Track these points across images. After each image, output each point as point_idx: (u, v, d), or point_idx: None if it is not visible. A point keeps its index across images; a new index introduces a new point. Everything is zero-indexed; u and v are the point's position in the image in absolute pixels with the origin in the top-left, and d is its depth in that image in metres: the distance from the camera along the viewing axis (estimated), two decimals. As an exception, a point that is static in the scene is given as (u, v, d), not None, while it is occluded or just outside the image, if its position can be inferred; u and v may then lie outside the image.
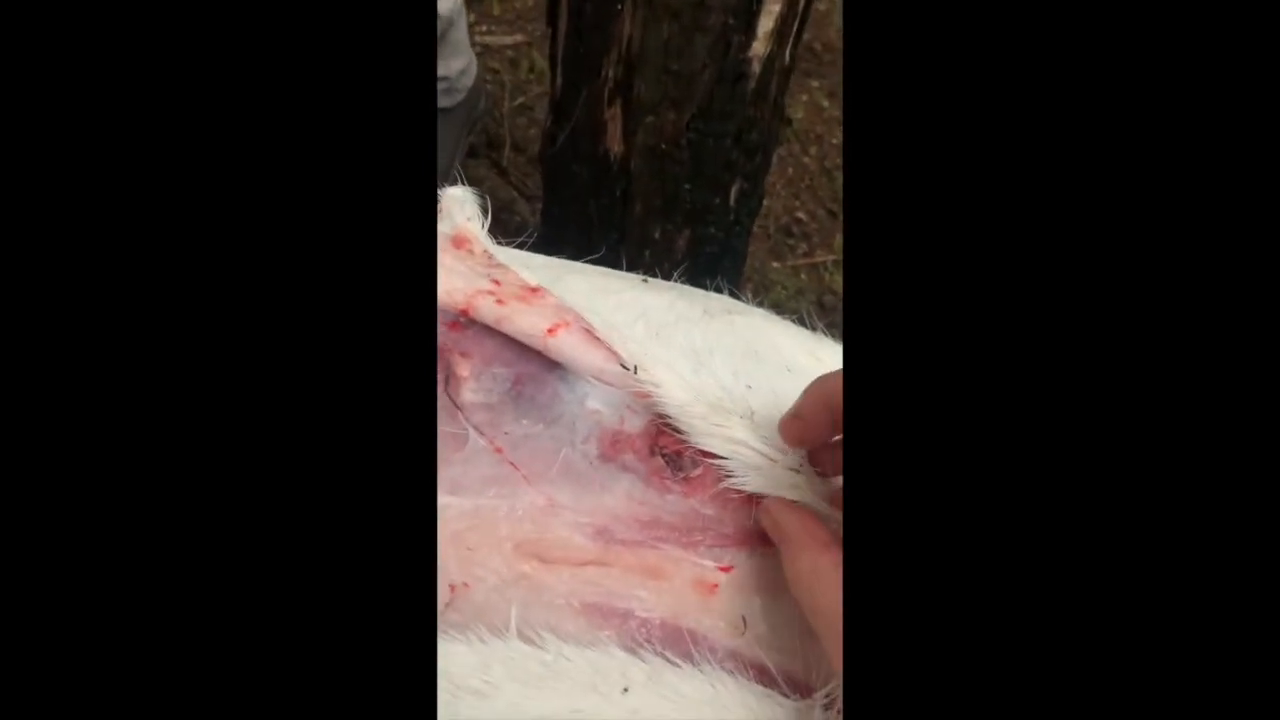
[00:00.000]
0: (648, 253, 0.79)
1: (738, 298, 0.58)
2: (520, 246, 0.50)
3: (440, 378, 0.40)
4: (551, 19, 0.75)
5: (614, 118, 0.70)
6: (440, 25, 1.09)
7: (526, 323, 0.42)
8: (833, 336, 0.54)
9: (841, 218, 1.64)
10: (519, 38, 1.78)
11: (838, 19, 1.94)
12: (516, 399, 0.40)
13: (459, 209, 0.46)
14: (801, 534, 0.34)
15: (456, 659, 0.33)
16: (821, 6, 1.91)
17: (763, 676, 0.36)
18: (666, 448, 0.41)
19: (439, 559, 0.35)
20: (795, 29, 0.69)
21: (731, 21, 0.64)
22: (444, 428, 0.39)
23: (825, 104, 1.87)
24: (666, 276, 0.57)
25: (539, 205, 1.03)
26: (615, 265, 0.68)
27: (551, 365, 0.42)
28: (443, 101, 1.20)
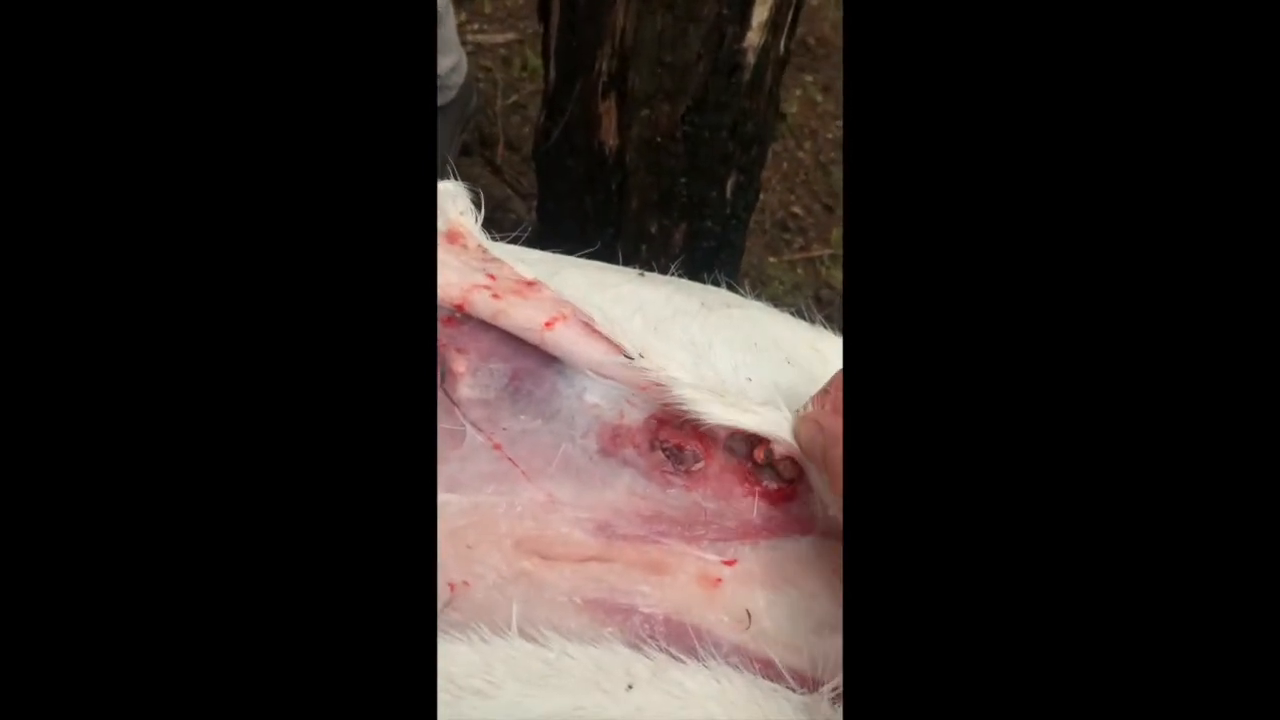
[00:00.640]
0: (644, 247, 0.78)
1: (736, 291, 0.58)
2: (514, 242, 0.49)
3: (437, 374, 0.40)
4: (544, 13, 0.74)
5: (608, 111, 0.70)
6: (430, 23, 1.08)
7: (523, 316, 0.41)
8: (831, 329, 0.53)
9: (837, 212, 1.64)
10: (511, 35, 1.78)
11: (832, 13, 1.93)
12: (514, 394, 0.40)
13: (451, 204, 0.45)
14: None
15: (458, 659, 0.33)
16: (815, 1, 1.91)
17: (769, 671, 0.35)
18: (668, 441, 0.41)
19: (438, 557, 0.35)
20: (790, 19, 0.69)
21: (725, 12, 0.64)
22: (441, 424, 0.38)
23: (819, 98, 1.87)
24: (664, 271, 0.57)
25: (534, 203, 1.02)
26: (612, 260, 0.68)
27: (549, 360, 0.42)
28: (435, 100, 1.19)
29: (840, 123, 1.81)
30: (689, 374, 0.42)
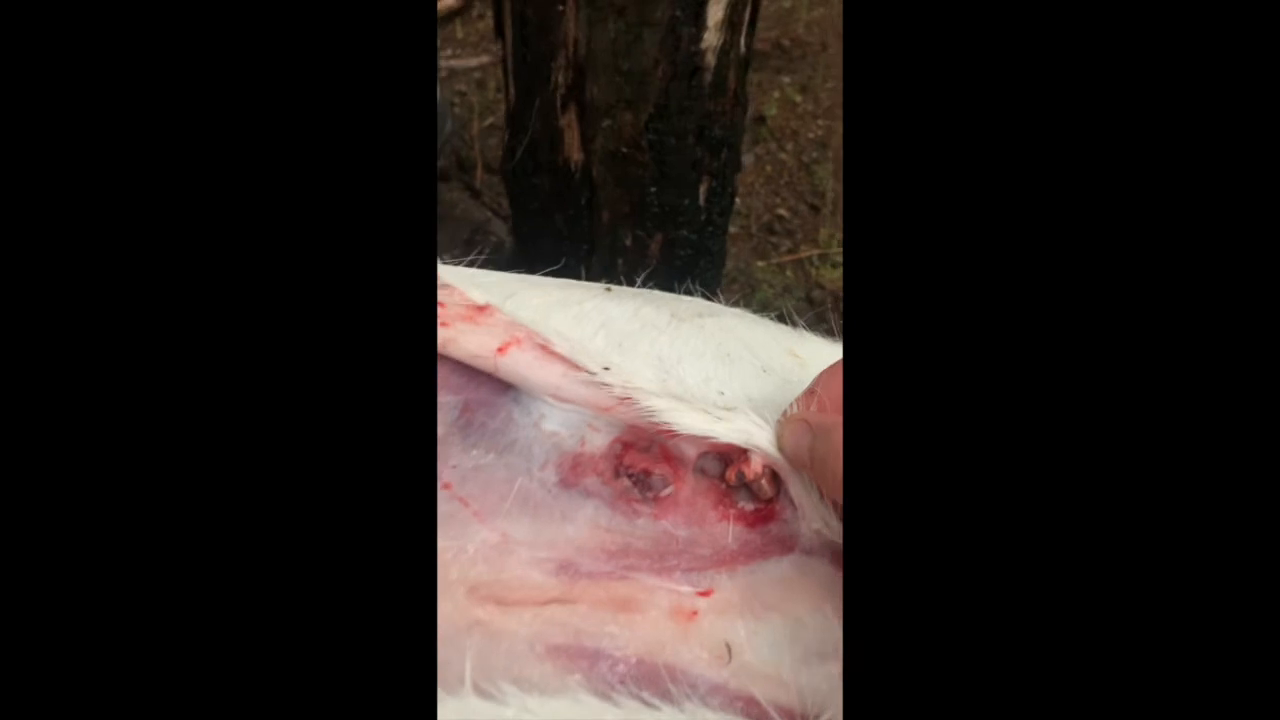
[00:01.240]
0: (621, 260, 0.76)
1: (711, 299, 0.56)
2: (485, 266, 0.48)
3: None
4: (499, 29, 0.72)
5: (570, 125, 0.68)
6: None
7: (474, 343, 0.39)
8: (816, 331, 0.51)
9: (824, 211, 1.62)
10: (484, 59, 1.77)
11: (805, 13, 1.93)
12: (465, 428, 0.37)
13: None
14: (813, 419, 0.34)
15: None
16: (787, 3, 1.90)
17: (751, 709, 0.33)
18: (633, 467, 0.38)
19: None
20: (748, 16, 0.66)
21: (679, 14, 0.62)
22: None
23: (798, 99, 1.85)
24: (644, 284, 0.55)
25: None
26: (591, 276, 0.66)
27: (504, 388, 0.39)
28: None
29: (821, 122, 1.80)
30: (656, 389, 0.40)
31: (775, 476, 0.38)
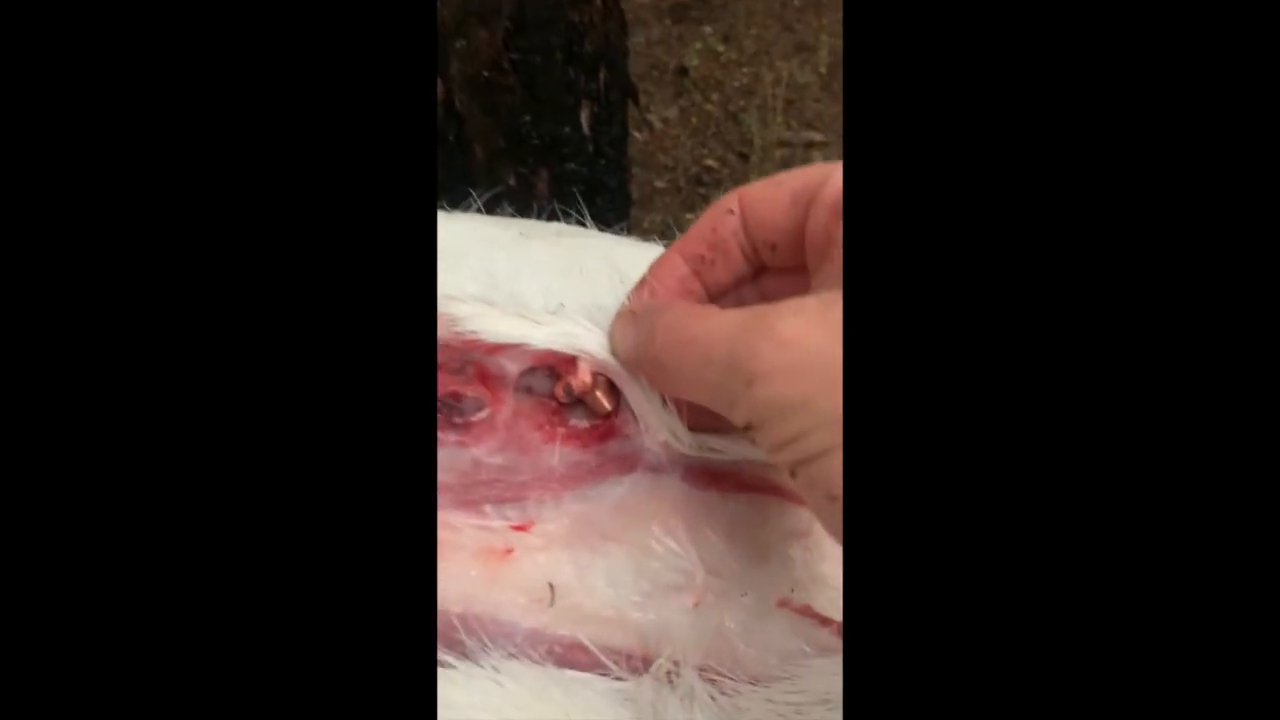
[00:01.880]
0: (506, 202, 0.69)
1: (597, 229, 0.49)
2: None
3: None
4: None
5: (423, 51, 0.61)
6: None
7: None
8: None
9: (753, 159, 1.57)
10: None
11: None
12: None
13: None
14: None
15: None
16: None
17: (576, 656, 0.27)
18: (442, 390, 0.32)
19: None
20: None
21: (526, -90, 0.55)
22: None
23: (720, 49, 1.80)
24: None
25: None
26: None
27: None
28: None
29: (747, 69, 1.74)
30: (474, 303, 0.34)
31: (612, 387, 0.32)
